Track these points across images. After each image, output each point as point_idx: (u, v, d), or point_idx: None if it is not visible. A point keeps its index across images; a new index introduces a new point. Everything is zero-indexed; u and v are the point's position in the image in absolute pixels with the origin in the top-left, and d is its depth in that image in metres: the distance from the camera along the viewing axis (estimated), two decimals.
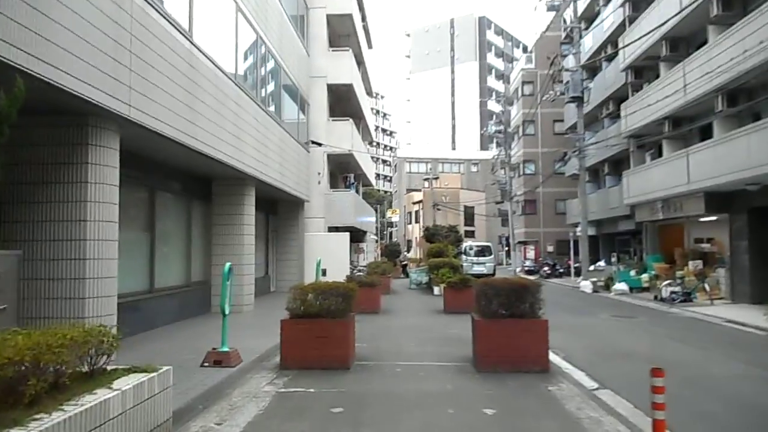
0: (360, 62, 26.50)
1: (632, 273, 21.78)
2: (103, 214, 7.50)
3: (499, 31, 73.16)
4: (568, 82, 24.73)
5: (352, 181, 24.27)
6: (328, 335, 7.02)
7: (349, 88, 22.81)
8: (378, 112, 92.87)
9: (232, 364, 7.24)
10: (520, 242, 41.08)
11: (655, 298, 18.47)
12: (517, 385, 6.22)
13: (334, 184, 24.37)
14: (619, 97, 26.14)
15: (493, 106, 70.11)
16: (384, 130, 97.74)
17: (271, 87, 15.87)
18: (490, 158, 60.26)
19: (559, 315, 13.82)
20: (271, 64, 15.55)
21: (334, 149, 21.82)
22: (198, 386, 6.07)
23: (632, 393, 6.04)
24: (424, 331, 10.51)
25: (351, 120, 22.56)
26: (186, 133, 9.37)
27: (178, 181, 12.05)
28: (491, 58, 71.61)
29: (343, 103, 24.44)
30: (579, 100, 23.25)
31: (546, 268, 32.66)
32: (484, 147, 68.69)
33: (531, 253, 39.33)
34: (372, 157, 64.92)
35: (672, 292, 17.28)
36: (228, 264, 7.54)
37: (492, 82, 69.44)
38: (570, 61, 25.10)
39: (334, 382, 6.36)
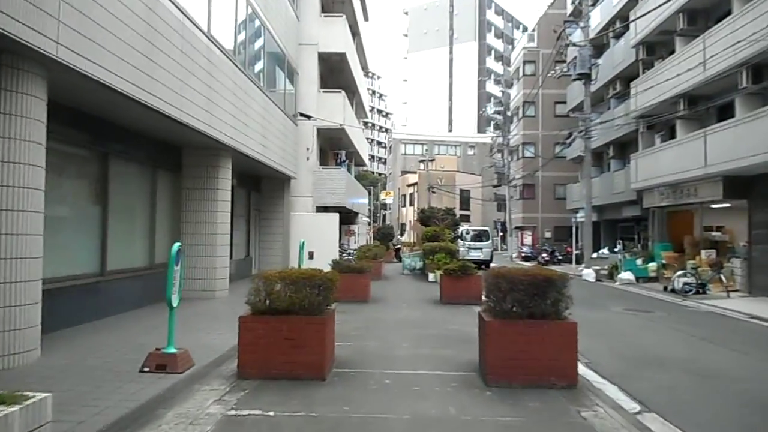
0: (355, 33, 24.78)
1: (638, 262, 20.49)
2: (23, 178, 5.98)
3: (500, 11, 71.00)
4: (575, 58, 23.14)
5: (344, 158, 22.72)
6: (298, 336, 5.59)
7: (342, 57, 21.15)
8: (374, 92, 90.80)
9: (178, 370, 5.81)
10: (517, 227, 39.78)
11: (665, 288, 17.21)
12: (540, 407, 4.83)
13: (324, 162, 22.83)
14: (627, 76, 24.65)
15: (492, 88, 68.25)
16: (380, 111, 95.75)
17: (253, 48, 14.25)
18: (487, 141, 58.77)
19: None
20: (253, 23, 13.90)
21: (324, 123, 20.24)
22: (121, 404, 4.64)
23: (685, 418, 4.70)
24: (419, 327, 9.09)
25: (343, 92, 20.95)
26: (142, 87, 7.83)
27: (140, 148, 10.49)
28: (491, 39, 69.54)
29: (335, 74, 22.79)
30: (586, 77, 21.72)
31: (544, 255, 31.36)
32: (481, 129, 67.05)
33: (528, 239, 38.00)
34: (367, 139, 63.19)
35: (685, 283, 15.98)
36: (176, 244, 6.08)
37: (491, 63, 67.53)
38: (577, 37, 23.48)
39: (303, 401, 4.94)
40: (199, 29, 10.06)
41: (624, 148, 26.13)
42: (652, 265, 20.23)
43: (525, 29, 58.76)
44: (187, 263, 12.01)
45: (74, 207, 8.71)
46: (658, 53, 21.42)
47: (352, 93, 25.35)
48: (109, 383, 5.40)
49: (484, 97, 67.03)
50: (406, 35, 78.72)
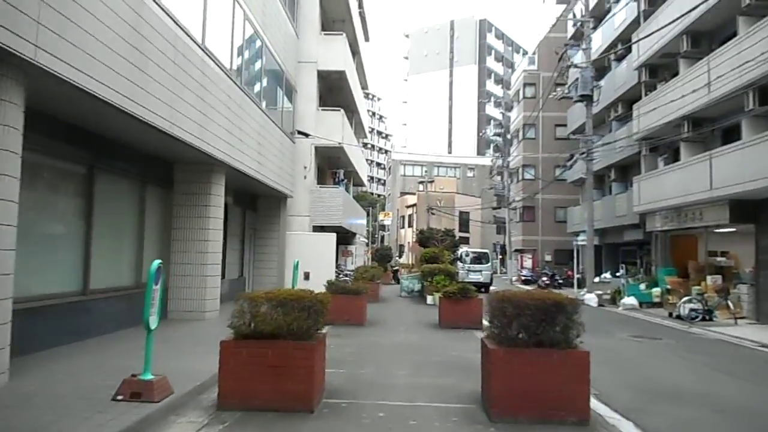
0: (355, 52, 24.69)
1: (642, 287, 20.02)
2: None
3: (500, 35, 71.56)
4: (576, 79, 23.00)
5: (342, 177, 22.38)
6: (285, 364, 5.12)
7: (341, 76, 20.96)
8: (374, 114, 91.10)
9: (154, 399, 5.32)
10: (516, 250, 39.32)
11: (670, 315, 16.74)
12: None
13: (322, 181, 22.48)
14: (629, 99, 24.50)
15: (492, 111, 68.39)
16: (379, 133, 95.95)
17: (250, 63, 14.00)
18: (487, 163, 58.66)
19: None
20: (251, 38, 13.67)
21: (323, 142, 19.94)
22: None
23: None
24: (417, 353, 8.59)
25: (342, 110, 20.70)
26: (128, 97, 7.48)
27: (129, 162, 10.11)
28: (491, 62, 69.93)
29: (334, 93, 22.60)
30: (588, 99, 21.52)
31: (544, 278, 30.88)
32: (481, 152, 67.02)
33: (528, 262, 37.54)
34: (366, 160, 62.96)
35: (692, 310, 15.50)
36: (156, 262, 5.65)
37: (491, 86, 67.81)
38: (579, 58, 23.39)
39: None
40: (193, 41, 9.77)
41: (626, 171, 25.83)
42: (656, 291, 19.76)
43: (525, 53, 59.19)
44: (176, 283, 11.62)
45: (55, 221, 8.29)
46: (660, 75, 21.27)
47: (352, 112, 25.15)
48: (77, 413, 4.93)
49: (483, 120, 67.16)
50: (406, 58, 79.27)
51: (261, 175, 14.39)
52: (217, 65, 10.97)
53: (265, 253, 18.10)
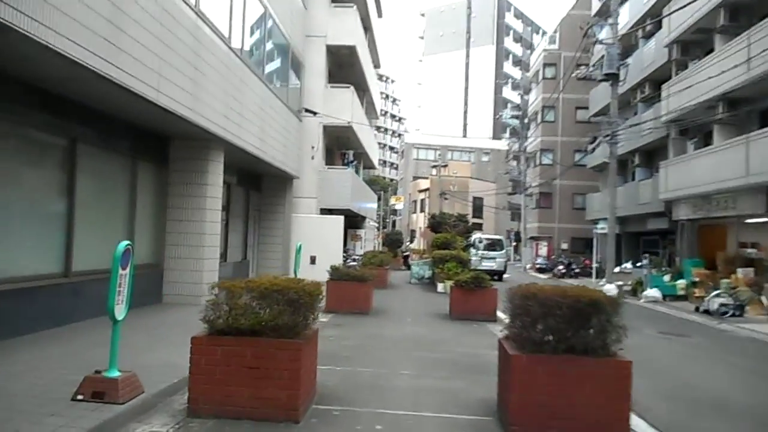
0: (367, 28, 23.63)
1: (666, 278, 19.00)
2: None
3: (519, 15, 69.50)
4: (601, 57, 21.76)
5: (351, 158, 21.52)
6: (266, 365, 4.33)
7: (352, 51, 19.98)
8: (387, 96, 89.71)
9: (118, 399, 4.58)
10: (532, 237, 38.29)
11: (697, 309, 15.75)
12: None
13: (330, 162, 21.65)
14: (656, 79, 23.23)
15: (509, 93, 66.73)
16: (393, 116, 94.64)
17: (252, 33, 13.10)
18: (502, 148, 57.34)
19: None
20: (254, 6, 12.76)
21: (331, 120, 19.05)
22: None
23: None
24: (424, 348, 7.77)
25: (352, 87, 19.76)
26: (108, 60, 6.67)
27: (118, 135, 9.35)
28: (509, 43, 68.05)
29: (345, 70, 21.63)
30: (614, 78, 20.30)
31: (560, 267, 29.91)
32: (496, 136, 65.55)
33: (543, 250, 36.52)
34: (378, 144, 61.73)
35: (722, 305, 14.50)
36: (123, 243, 4.88)
37: (509, 68, 66.08)
38: (605, 34, 22.09)
39: None
40: (185, 2, 8.90)
41: (651, 156, 24.64)
42: (681, 283, 18.73)
43: (544, 33, 57.34)
44: (171, 265, 10.91)
45: (31, 198, 7.56)
46: (693, 53, 19.98)
47: (363, 91, 24.18)
48: (27, 415, 4.22)
49: (500, 103, 65.57)
50: (421, 37, 77.54)
51: (264, 153, 13.59)
52: (213, 31, 10.11)
53: (270, 235, 17.38)
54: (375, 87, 27.65)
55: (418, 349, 7.59)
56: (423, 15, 75.91)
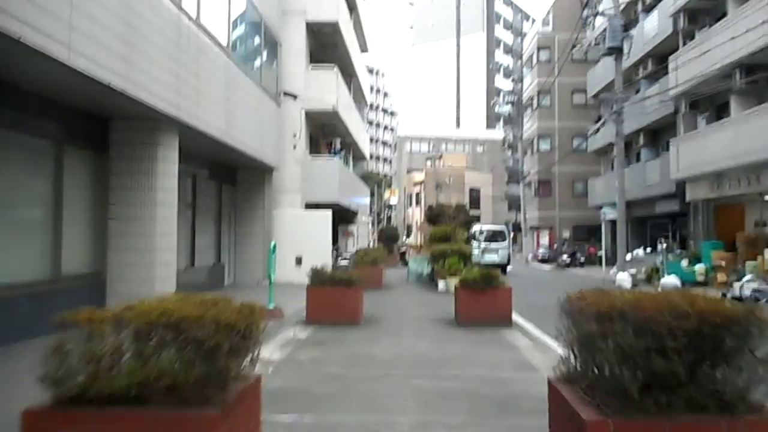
0: (352, 8, 21.89)
1: (683, 263, 17.40)
2: None
3: (509, 2, 67.70)
4: (603, 31, 20.11)
5: (339, 147, 19.78)
6: None
7: (335, 28, 18.22)
8: (378, 90, 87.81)
9: None
10: (532, 227, 36.70)
11: (724, 296, 14.15)
12: None
13: (316, 152, 19.91)
14: (660, 53, 21.65)
15: (501, 82, 65.10)
16: (384, 110, 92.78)
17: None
18: (497, 138, 55.68)
19: None
20: None
21: (314, 105, 17.31)
22: None
23: None
24: (428, 373, 5.92)
25: (336, 67, 18.01)
26: None
27: (34, 114, 7.58)
28: (499, 31, 66.29)
29: (328, 51, 19.87)
30: (618, 52, 18.64)
31: (564, 257, 28.31)
32: (490, 126, 63.91)
33: (545, 239, 34.98)
34: (371, 139, 59.83)
35: (755, 290, 12.90)
36: None
37: (500, 56, 64.40)
38: (605, 5, 20.45)
39: None
40: None
41: (656, 135, 23.09)
42: (700, 268, 17.14)
43: (534, 21, 55.62)
44: (115, 274, 9.16)
45: None
46: (701, 21, 18.39)
47: (350, 76, 22.44)
48: None
49: (492, 92, 63.81)
50: (411, 27, 75.69)
51: (232, 139, 11.85)
52: None
53: (248, 234, 15.66)
54: (363, 72, 25.90)
55: (421, 374, 5.82)
56: (412, 4, 74.08)
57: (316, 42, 18.99)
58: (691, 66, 17.03)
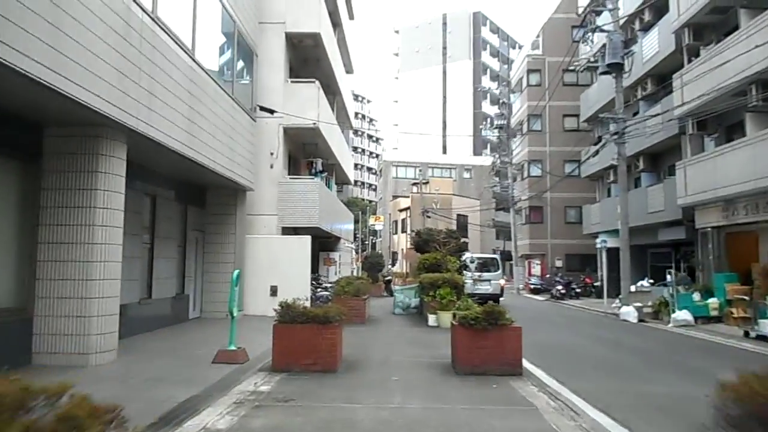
0: (336, 24, 20.71)
1: (695, 297, 16.03)
2: None
3: (495, 29, 67.71)
4: (603, 47, 19.11)
5: (320, 168, 18.29)
6: None
7: (316, 41, 16.92)
8: (364, 117, 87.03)
9: None
10: (523, 256, 35.32)
11: (746, 334, 12.80)
12: None
13: (295, 173, 18.40)
14: (660, 73, 20.73)
15: (488, 108, 64.58)
16: (370, 137, 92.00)
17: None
18: (484, 164, 54.70)
19: (646, 375, 7.95)
20: None
21: (293, 122, 15.87)
22: None
23: None
24: None
25: (317, 82, 16.64)
26: None
27: None
28: (486, 58, 66.06)
29: (310, 66, 18.57)
30: (618, 70, 17.61)
31: (559, 287, 26.81)
32: (477, 152, 63.10)
33: (537, 268, 33.56)
34: (355, 165, 58.48)
35: None
36: None
37: (487, 83, 63.99)
38: (604, 21, 19.49)
39: None
40: None
41: (657, 159, 22.02)
42: (713, 302, 15.78)
43: (521, 47, 55.38)
44: (45, 309, 7.47)
45: None
46: (707, 38, 17.44)
47: (333, 94, 21.14)
48: None
49: (479, 118, 63.27)
50: (396, 54, 75.33)
51: (196, 153, 10.30)
52: None
53: (218, 262, 13.99)
54: (347, 92, 24.64)
55: None
56: (397, 32, 73.86)
57: (297, 56, 17.68)
58: (699, 83, 15.96)
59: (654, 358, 10.11)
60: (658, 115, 17.31)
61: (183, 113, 9.76)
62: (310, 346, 7.52)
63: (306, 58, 18.24)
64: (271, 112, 14.98)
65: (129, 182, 9.79)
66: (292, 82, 16.42)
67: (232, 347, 8.21)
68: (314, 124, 16.04)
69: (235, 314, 8.39)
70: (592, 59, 19.75)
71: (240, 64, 14.07)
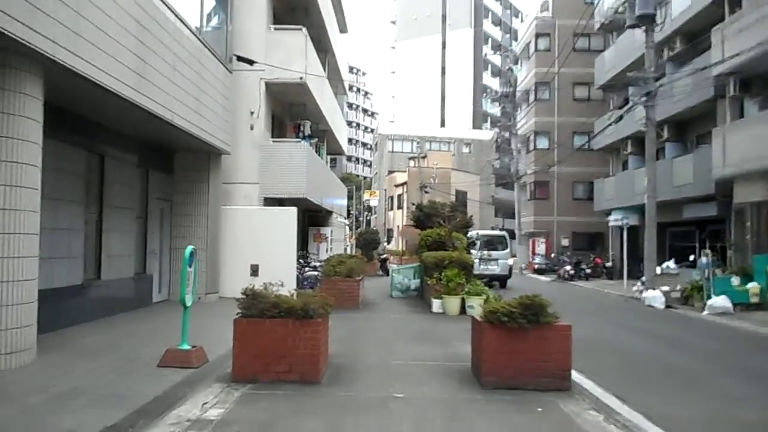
0: None
1: (734, 281, 14.18)
2: None
3: None
4: (625, 1, 16.90)
5: (309, 132, 16.15)
6: None
7: None
8: (359, 90, 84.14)
9: None
10: (527, 234, 33.44)
11: None
12: None
13: (280, 136, 16.29)
14: (690, 31, 18.61)
15: (489, 80, 62.00)
16: (365, 111, 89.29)
17: None
18: (484, 138, 52.52)
19: (728, 388, 5.93)
20: None
21: (276, 76, 13.69)
22: None
23: None
24: None
25: (304, 29, 14.40)
26: None
27: None
28: (488, 26, 63.22)
29: (298, 15, 16.29)
30: (649, 21, 15.44)
31: (567, 268, 24.97)
32: (477, 125, 60.74)
33: (542, 247, 31.72)
34: (350, 140, 56.28)
35: None
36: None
37: (488, 53, 61.26)
38: None
39: None
40: None
41: (684, 127, 20.00)
42: (753, 287, 13.94)
43: (525, 17, 52.66)
44: None
45: None
46: None
47: (324, 52, 18.89)
48: None
49: (480, 90, 60.70)
50: (393, 22, 72.21)
51: (149, 100, 8.19)
52: None
53: (187, 236, 11.97)
54: (340, 51, 22.35)
55: None
56: None
57: (282, 3, 15.40)
58: (745, 36, 13.86)
59: (720, 360, 8.20)
60: (698, 71, 15.16)
61: (129, 48, 7.63)
62: (285, 349, 5.56)
63: (293, 6, 15.98)
64: (250, 62, 12.80)
65: (61, 134, 7.75)
66: (275, 29, 14.18)
67: (185, 346, 6.30)
68: (301, 78, 13.86)
69: (188, 303, 6.42)
70: (620, 10, 17.49)
71: (211, 2, 11.85)
